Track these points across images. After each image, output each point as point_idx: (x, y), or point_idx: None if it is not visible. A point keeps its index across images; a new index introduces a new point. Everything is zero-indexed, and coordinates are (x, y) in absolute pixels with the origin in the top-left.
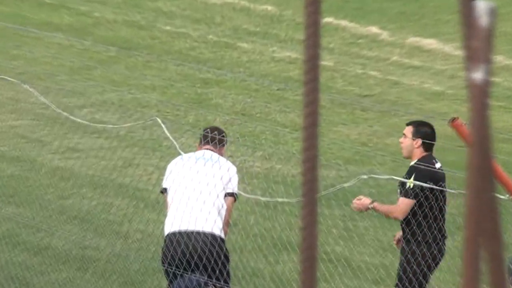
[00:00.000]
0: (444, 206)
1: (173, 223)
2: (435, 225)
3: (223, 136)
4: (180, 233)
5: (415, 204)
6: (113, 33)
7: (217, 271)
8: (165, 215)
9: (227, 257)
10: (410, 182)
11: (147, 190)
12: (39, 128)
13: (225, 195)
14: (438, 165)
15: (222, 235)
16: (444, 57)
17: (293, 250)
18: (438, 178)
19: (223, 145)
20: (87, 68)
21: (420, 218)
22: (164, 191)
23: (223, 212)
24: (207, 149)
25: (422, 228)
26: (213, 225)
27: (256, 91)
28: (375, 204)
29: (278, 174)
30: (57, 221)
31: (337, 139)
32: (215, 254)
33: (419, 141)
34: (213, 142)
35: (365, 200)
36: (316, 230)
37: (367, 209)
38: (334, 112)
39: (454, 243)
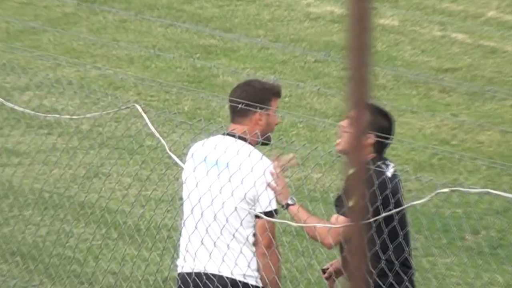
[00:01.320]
0: (405, 229)
1: (185, 258)
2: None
3: (258, 96)
4: (191, 274)
5: None
6: None
7: None
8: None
9: None
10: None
11: (123, 212)
12: None
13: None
14: (390, 171)
15: (250, 281)
16: None
17: None
18: (393, 191)
19: (255, 113)
20: (32, 32)
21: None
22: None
23: (249, 245)
24: (230, 133)
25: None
26: (232, 266)
27: (283, 63)
28: (294, 208)
29: (317, 187)
30: None
31: (405, 134)
32: None
33: (371, 139)
34: (238, 114)
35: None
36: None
37: (285, 206)
38: (400, 94)
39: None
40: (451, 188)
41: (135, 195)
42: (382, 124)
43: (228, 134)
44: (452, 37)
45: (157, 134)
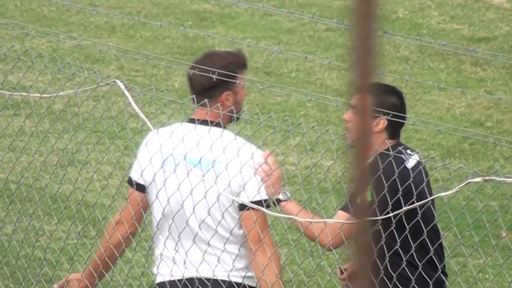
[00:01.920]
0: (434, 227)
1: (162, 266)
2: (419, 260)
3: (226, 75)
4: (174, 283)
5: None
6: None
7: None
8: (151, 245)
9: None
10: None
11: (102, 206)
12: None
13: (240, 212)
14: (412, 162)
15: (234, 280)
16: None
17: None
18: (414, 184)
19: (224, 91)
20: None
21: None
22: (132, 184)
23: (236, 243)
24: (200, 119)
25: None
26: (214, 267)
27: (290, 32)
28: (289, 204)
29: (328, 176)
30: None
31: (430, 115)
32: None
33: (383, 122)
34: (202, 98)
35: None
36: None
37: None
38: (425, 68)
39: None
40: (484, 178)
41: (116, 186)
42: (391, 102)
43: (197, 121)
44: (487, 1)
45: (142, 115)
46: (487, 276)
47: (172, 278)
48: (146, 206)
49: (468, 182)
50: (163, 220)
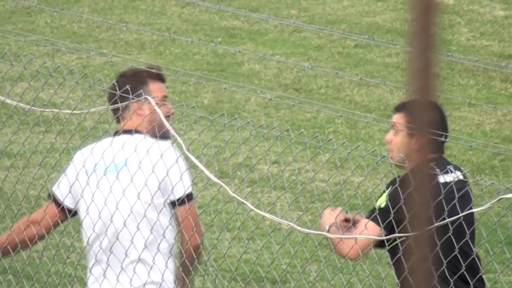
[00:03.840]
0: (469, 245)
1: (97, 279)
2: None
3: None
4: None
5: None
6: None
7: None
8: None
9: None
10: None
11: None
12: None
13: (170, 208)
14: (448, 178)
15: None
16: None
17: None
18: (445, 200)
19: (133, 103)
20: (25, 13)
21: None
22: (51, 198)
23: (168, 244)
24: (125, 131)
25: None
26: (151, 273)
27: (319, 49)
28: (333, 229)
29: (358, 192)
30: None
31: (461, 131)
32: None
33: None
34: (118, 110)
35: (329, 216)
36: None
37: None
38: (455, 84)
39: None
40: None
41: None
42: (435, 119)
43: (117, 133)
44: None
45: (173, 131)
46: None
47: None
48: (57, 223)
49: (500, 198)
50: (94, 236)
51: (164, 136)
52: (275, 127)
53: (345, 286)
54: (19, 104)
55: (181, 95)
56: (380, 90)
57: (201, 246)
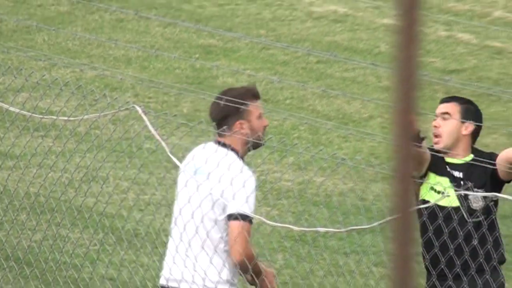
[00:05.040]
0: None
1: (164, 268)
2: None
3: (240, 104)
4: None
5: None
6: None
7: None
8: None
9: None
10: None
11: (121, 216)
12: None
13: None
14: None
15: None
16: None
17: None
18: None
19: (237, 119)
20: (25, 31)
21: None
22: None
23: (222, 252)
24: (216, 141)
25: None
26: (203, 276)
27: (285, 64)
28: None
29: (319, 191)
30: None
31: None
32: None
33: (471, 126)
34: (219, 128)
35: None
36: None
37: None
38: None
39: None
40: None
41: (133, 199)
42: (477, 109)
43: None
44: (458, 37)
45: (158, 137)
46: None
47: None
48: None
49: None
50: (175, 228)
51: (256, 146)
52: (271, 138)
53: (307, 273)
54: (21, 111)
55: (163, 104)
56: (338, 101)
57: (243, 261)
